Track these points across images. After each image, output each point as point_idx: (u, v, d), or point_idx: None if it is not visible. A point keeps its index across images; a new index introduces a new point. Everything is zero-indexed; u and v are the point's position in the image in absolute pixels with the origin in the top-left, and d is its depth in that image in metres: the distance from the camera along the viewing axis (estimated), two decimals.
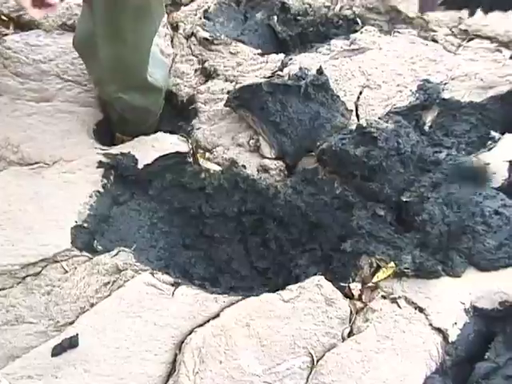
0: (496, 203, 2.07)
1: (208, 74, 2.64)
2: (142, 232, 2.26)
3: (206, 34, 2.72)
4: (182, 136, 2.41)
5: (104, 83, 2.30)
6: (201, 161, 2.38)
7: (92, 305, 1.91)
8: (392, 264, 1.99)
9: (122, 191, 2.28)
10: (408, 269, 1.97)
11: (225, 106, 2.47)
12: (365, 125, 2.29)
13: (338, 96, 2.48)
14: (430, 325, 1.89)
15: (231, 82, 2.57)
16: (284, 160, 2.41)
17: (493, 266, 2.01)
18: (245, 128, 2.44)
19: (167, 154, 2.31)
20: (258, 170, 2.38)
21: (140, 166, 2.27)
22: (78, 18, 2.32)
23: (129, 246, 2.12)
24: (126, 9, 1.99)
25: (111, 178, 2.24)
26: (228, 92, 2.48)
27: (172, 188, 2.33)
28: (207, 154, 2.41)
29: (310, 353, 1.83)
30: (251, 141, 2.41)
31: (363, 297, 2.00)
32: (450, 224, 2.04)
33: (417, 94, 2.50)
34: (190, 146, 2.38)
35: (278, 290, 1.99)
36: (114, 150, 2.30)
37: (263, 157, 2.40)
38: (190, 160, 2.34)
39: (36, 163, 2.23)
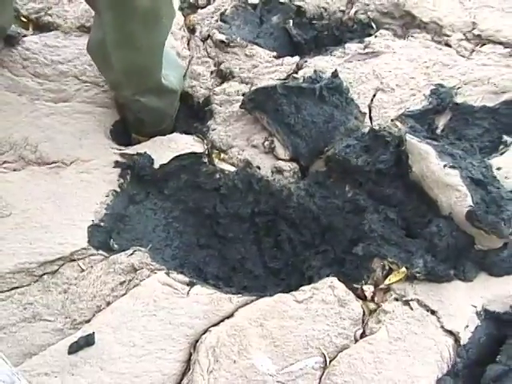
0: None
1: (224, 76, 2.66)
2: (157, 231, 2.28)
3: (223, 37, 2.72)
4: (198, 137, 2.43)
5: (119, 88, 2.33)
6: (216, 161, 2.39)
7: (108, 303, 1.94)
8: (404, 269, 2.01)
9: (138, 191, 2.30)
10: (419, 273, 1.98)
11: (240, 107, 2.47)
12: (377, 128, 2.30)
13: (352, 99, 2.49)
14: (442, 327, 1.90)
15: (247, 83, 2.58)
16: (298, 161, 2.41)
17: (506, 272, 2.02)
18: (259, 129, 2.45)
19: (183, 155, 2.33)
20: (272, 172, 2.39)
21: (156, 165, 2.29)
22: (92, 26, 2.34)
23: (144, 244, 2.15)
24: (135, 14, 1.98)
25: (127, 177, 2.26)
26: (243, 94, 2.49)
27: (187, 188, 2.35)
28: (222, 155, 2.42)
29: (323, 353, 1.84)
30: (266, 142, 2.42)
31: (376, 298, 2.01)
32: (457, 237, 2.03)
33: (430, 98, 2.49)
34: (206, 147, 2.39)
35: (291, 291, 2.00)
36: (131, 150, 2.32)
37: (278, 158, 2.41)
38: (205, 160, 2.35)
39: (54, 163, 2.25)
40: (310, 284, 2.03)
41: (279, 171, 2.38)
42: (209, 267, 2.26)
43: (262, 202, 2.36)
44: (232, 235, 2.35)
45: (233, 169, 2.37)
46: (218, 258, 2.32)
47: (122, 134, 2.48)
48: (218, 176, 2.34)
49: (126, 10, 1.97)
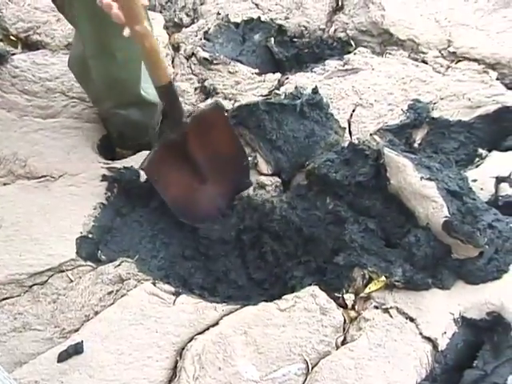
0: (490, 217, 2.05)
1: (208, 92, 2.67)
2: (143, 243, 2.29)
3: (206, 54, 2.75)
4: None
5: (100, 101, 2.36)
6: None
7: (96, 313, 1.97)
8: (383, 278, 2.03)
9: (125, 203, 2.33)
10: (399, 281, 2.00)
11: None
12: (356, 142, 2.33)
13: (331, 114, 2.52)
14: (421, 334, 1.92)
15: (230, 99, 2.60)
16: (280, 176, 2.44)
17: (482, 281, 2.04)
18: (243, 144, 2.45)
19: None
20: (254, 187, 2.42)
21: (142, 179, 2.31)
22: (72, 42, 2.36)
23: (131, 256, 2.17)
24: (112, 27, 1.95)
25: (114, 190, 2.29)
26: (226, 111, 2.50)
27: None
28: None
29: (306, 360, 1.86)
30: (249, 158, 2.44)
31: (356, 307, 2.03)
32: (435, 247, 2.06)
33: (407, 113, 2.53)
34: None
35: (274, 300, 2.02)
36: (117, 164, 2.34)
37: (260, 173, 2.44)
38: None
39: (43, 177, 2.28)
40: (292, 293, 2.05)
41: (261, 186, 2.42)
42: (194, 278, 2.28)
43: (247, 217, 2.39)
44: (217, 247, 2.37)
45: None
46: (202, 269, 2.33)
47: (109, 148, 2.50)
48: None
49: (103, 21, 1.97)
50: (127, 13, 1.80)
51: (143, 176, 2.31)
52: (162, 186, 2.26)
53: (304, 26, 3.03)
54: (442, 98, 2.59)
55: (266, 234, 2.36)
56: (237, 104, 2.53)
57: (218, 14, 3.03)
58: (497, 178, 2.31)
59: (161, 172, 2.25)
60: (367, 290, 2.05)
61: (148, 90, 2.34)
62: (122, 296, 2.00)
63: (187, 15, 3.09)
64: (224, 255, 2.37)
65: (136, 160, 2.35)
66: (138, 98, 2.32)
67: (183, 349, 1.89)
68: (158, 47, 1.97)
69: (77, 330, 1.92)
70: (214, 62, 2.74)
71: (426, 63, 2.78)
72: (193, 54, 2.81)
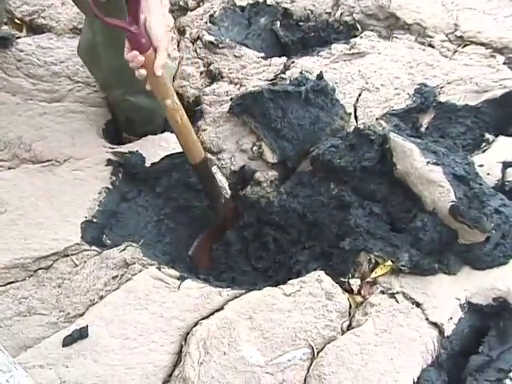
0: (496, 202, 2.05)
1: (213, 76, 2.68)
2: (149, 227, 2.30)
3: (212, 38, 2.75)
4: None
5: (109, 88, 2.34)
6: None
7: (101, 297, 1.96)
8: (389, 263, 2.03)
9: (130, 188, 2.32)
10: (405, 266, 2.00)
11: (228, 112, 2.49)
12: (362, 127, 2.32)
13: (337, 100, 2.51)
14: (427, 319, 1.92)
15: (235, 84, 2.61)
16: (285, 165, 2.44)
17: (488, 266, 2.03)
18: (248, 132, 2.47)
19: (174, 154, 2.35)
20: (250, 185, 2.44)
21: (147, 164, 2.31)
22: (82, 29, 2.36)
23: (136, 240, 2.17)
24: (123, 14, 1.95)
25: (120, 175, 2.29)
26: (231, 99, 2.50)
27: (178, 186, 2.37)
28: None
29: (311, 345, 1.86)
30: (254, 147, 2.45)
31: (362, 291, 2.03)
32: (441, 232, 2.05)
33: (414, 97, 2.52)
34: None
35: (279, 285, 2.02)
36: (123, 148, 2.34)
37: (266, 162, 2.44)
38: None
39: (47, 161, 2.28)
40: (297, 278, 2.05)
41: (257, 183, 2.42)
42: None
43: (245, 214, 2.41)
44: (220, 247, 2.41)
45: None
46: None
47: (114, 132, 2.50)
48: None
49: (114, 9, 1.95)
50: (155, 89, 1.97)
51: (148, 160, 2.32)
52: (205, 269, 2.35)
53: (310, 10, 3.02)
54: (448, 83, 2.59)
55: (267, 226, 2.38)
56: (241, 91, 2.52)
57: None
58: (503, 163, 2.31)
59: (204, 257, 2.36)
60: (373, 275, 2.05)
61: None
62: (126, 280, 2.00)
63: None
64: (226, 255, 2.40)
65: (141, 145, 2.36)
66: None
67: (188, 333, 1.89)
68: (190, 124, 2.06)
69: (82, 315, 1.92)
70: (220, 45, 2.74)
71: (433, 47, 2.78)
72: (198, 37, 2.80)
